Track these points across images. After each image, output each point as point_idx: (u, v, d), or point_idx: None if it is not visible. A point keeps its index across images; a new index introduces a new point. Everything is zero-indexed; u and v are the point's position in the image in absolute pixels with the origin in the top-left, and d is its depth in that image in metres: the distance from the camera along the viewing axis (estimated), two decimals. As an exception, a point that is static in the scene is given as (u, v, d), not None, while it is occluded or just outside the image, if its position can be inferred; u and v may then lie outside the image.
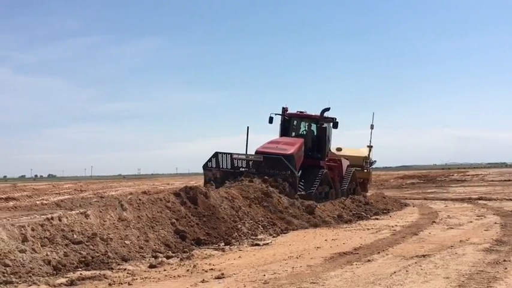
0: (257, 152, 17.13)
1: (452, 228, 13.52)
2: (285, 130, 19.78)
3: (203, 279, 7.61)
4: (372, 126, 26.17)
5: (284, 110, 19.91)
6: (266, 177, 15.22)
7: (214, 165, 16.66)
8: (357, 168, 24.12)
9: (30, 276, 7.75)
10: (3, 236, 8.56)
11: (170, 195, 12.36)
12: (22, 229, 8.92)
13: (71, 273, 8.11)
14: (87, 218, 9.99)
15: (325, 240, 11.75)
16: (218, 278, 7.71)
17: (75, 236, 9.30)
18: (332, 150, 22.95)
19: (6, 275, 7.64)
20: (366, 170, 25.38)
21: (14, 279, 7.55)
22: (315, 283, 7.21)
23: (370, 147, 26.08)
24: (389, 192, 28.05)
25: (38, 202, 21.10)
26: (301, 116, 20.19)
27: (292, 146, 17.49)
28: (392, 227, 13.91)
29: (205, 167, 16.89)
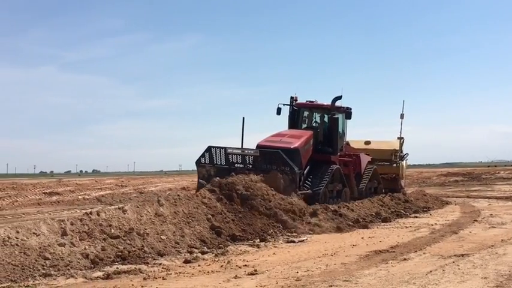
0: (258, 146, 15.41)
1: (494, 227, 13.20)
2: (294, 122, 17.88)
3: (236, 275, 7.66)
4: (402, 116, 23.12)
5: (292, 99, 17.89)
6: (262, 174, 13.59)
7: (207, 161, 14.96)
8: (385, 163, 22.26)
9: (68, 270, 7.99)
10: (44, 230, 8.85)
11: (206, 191, 12.49)
12: (62, 223, 9.20)
13: (108, 267, 8.32)
14: (124, 213, 10.21)
15: (362, 238, 11.65)
16: (251, 274, 7.75)
17: (112, 230, 9.53)
18: (355, 144, 21.61)
19: (45, 267, 7.90)
20: (395, 165, 22.60)
21: (53, 272, 7.80)
22: (348, 281, 7.17)
23: (400, 139, 23.25)
24: (431, 189, 27.55)
25: (80, 197, 21.65)
26: (311, 106, 18.09)
27: (298, 139, 15.81)
28: (432, 225, 13.68)
29: (198, 163, 15.15)
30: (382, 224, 14.39)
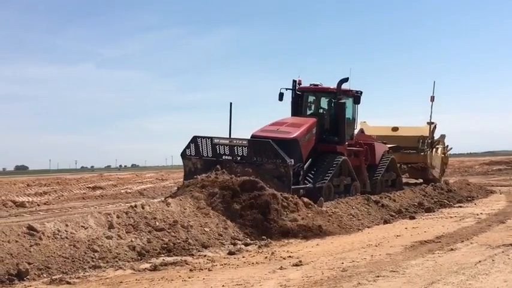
0: (253, 136, 13.81)
1: (542, 216, 12.86)
2: (297, 108, 15.97)
3: (281, 266, 7.68)
4: (432, 98, 20.49)
5: (295, 83, 16.01)
6: (249, 167, 12.16)
7: (193, 153, 13.40)
8: (412, 151, 20.43)
9: (116, 261, 8.15)
10: (91, 223, 9.05)
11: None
12: (108, 216, 9.40)
13: (154, 258, 8.45)
14: (168, 206, 10.34)
15: (405, 228, 11.52)
16: (296, 265, 7.76)
17: (157, 223, 9.67)
18: (381, 130, 20.49)
19: (94, 259, 8.09)
20: (422, 153, 20.37)
21: (101, 264, 7.97)
22: (395, 271, 7.10)
23: (431, 124, 20.80)
24: (474, 179, 26.92)
25: (122, 191, 22.04)
26: (315, 90, 16.09)
27: (297, 128, 14.07)
28: (477, 215, 13.40)
29: (183, 155, 13.60)
30: (426, 214, 14.17)
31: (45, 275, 7.32)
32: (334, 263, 7.86)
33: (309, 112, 16.01)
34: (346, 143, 15.40)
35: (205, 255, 8.77)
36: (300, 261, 7.94)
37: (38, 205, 16.75)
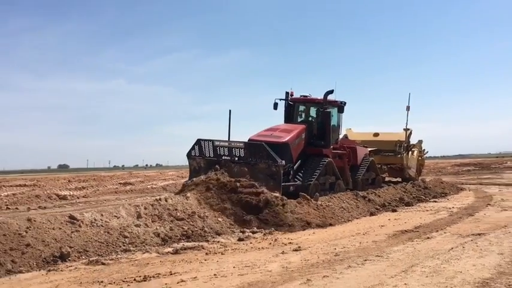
0: (249, 140, 13.53)
1: (506, 210, 12.74)
2: (289, 116, 15.75)
3: (283, 251, 7.66)
4: (407, 108, 20.21)
5: (288, 94, 15.82)
6: (245, 167, 12.02)
7: (197, 154, 13.17)
8: (390, 154, 20.12)
9: (144, 246, 8.15)
10: (123, 213, 9.05)
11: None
12: (137, 208, 9.39)
13: (176, 244, 8.44)
14: (187, 200, 10.33)
15: (389, 219, 11.44)
16: (296, 250, 7.73)
17: (178, 213, 9.66)
18: (364, 136, 20.17)
19: (125, 244, 8.09)
20: (399, 155, 20.08)
21: (131, 248, 7.98)
22: (379, 256, 7.06)
23: (407, 130, 20.47)
24: (447, 178, 26.74)
25: (148, 186, 21.99)
26: (304, 101, 15.88)
27: (288, 134, 13.87)
28: (450, 208, 13.29)
29: (189, 155, 13.40)
30: (406, 207, 14.07)
31: (83, 257, 7.33)
32: (328, 248, 7.82)
33: (299, 120, 15.82)
34: (332, 147, 15.22)
35: (218, 241, 8.75)
36: (299, 247, 7.91)
37: (78, 198, 16.76)
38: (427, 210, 13.09)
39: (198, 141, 13.11)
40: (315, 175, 13.54)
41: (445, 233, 9.23)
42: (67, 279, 6.10)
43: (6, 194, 16.44)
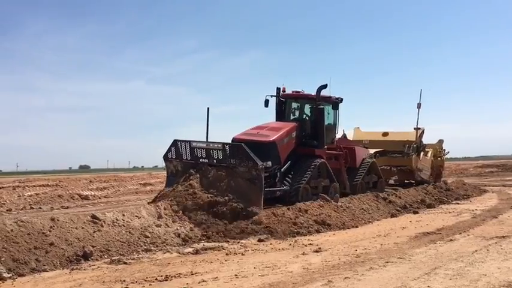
0: (233, 140, 12.30)
1: (531, 212, 12.49)
2: (281, 114, 14.40)
3: (303, 252, 7.63)
4: (418, 105, 18.56)
5: (279, 90, 14.44)
6: (223, 171, 10.71)
7: (174, 156, 11.81)
8: (397, 155, 18.64)
9: (164, 246, 8.21)
10: (144, 213, 9.14)
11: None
12: (157, 208, 9.47)
13: (196, 244, 8.48)
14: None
15: (410, 221, 11.31)
16: (316, 251, 7.69)
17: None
18: (372, 135, 18.93)
19: (146, 244, 8.16)
20: (407, 157, 18.44)
21: (152, 248, 8.05)
22: (401, 258, 6.98)
23: (417, 129, 18.79)
24: (469, 179, 26.29)
25: (168, 187, 22.12)
26: (296, 97, 14.44)
27: (276, 132, 12.63)
28: (473, 210, 13.07)
29: (165, 157, 12.03)
30: (427, 209, 13.90)
31: (105, 256, 7.41)
32: (348, 250, 7.76)
33: (292, 117, 14.42)
34: (326, 147, 13.86)
35: (238, 242, 8.73)
36: (320, 248, 7.87)
37: (99, 198, 16.98)
38: (449, 212, 12.89)
39: (175, 142, 11.79)
40: (305, 178, 12.37)
41: (468, 235, 9.08)
42: (90, 278, 6.18)
43: (29, 194, 16.76)
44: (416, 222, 11.03)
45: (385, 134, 19.50)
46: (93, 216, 8.39)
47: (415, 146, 18.65)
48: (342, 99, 14.45)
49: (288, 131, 12.89)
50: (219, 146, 11.08)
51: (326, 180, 13.36)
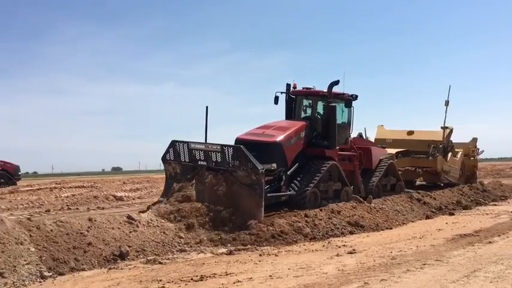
0: (236, 140, 11.55)
1: None
2: (290, 112, 13.47)
3: (337, 254, 7.56)
4: (446, 103, 17.37)
5: (289, 87, 13.51)
6: (222, 175, 10.00)
7: (172, 158, 11.13)
8: (421, 155, 17.43)
9: (198, 246, 8.29)
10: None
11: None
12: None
13: (229, 244, 8.50)
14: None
15: (446, 223, 11.07)
16: (350, 253, 7.61)
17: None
18: (395, 134, 17.90)
19: (181, 244, 8.28)
20: (431, 158, 17.16)
21: (186, 248, 8.16)
22: (439, 260, 6.84)
23: (444, 128, 17.64)
24: (506, 180, 25.43)
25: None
26: (306, 93, 13.44)
27: (283, 132, 11.73)
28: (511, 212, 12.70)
29: (164, 159, 11.38)
30: (464, 211, 13.56)
31: (141, 256, 7.54)
32: (384, 251, 7.66)
33: (303, 116, 13.41)
34: (338, 148, 12.78)
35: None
36: (354, 250, 7.79)
37: (133, 199, 17.24)
38: (486, 214, 12.56)
39: (173, 143, 11.12)
40: (314, 181, 11.41)
41: (508, 237, 8.84)
42: (127, 277, 6.30)
43: (66, 195, 17.20)
44: (453, 224, 10.79)
45: (410, 132, 18.34)
46: (129, 217, 8.55)
47: (441, 146, 17.60)
48: (356, 96, 13.41)
49: (296, 131, 12.00)
50: (218, 147, 10.30)
51: (338, 184, 12.34)
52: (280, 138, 11.49)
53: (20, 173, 29.82)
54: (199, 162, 10.48)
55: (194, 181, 10.12)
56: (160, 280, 6.05)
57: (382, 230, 10.28)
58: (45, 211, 13.23)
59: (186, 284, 5.88)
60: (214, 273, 6.32)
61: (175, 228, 8.78)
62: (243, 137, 11.66)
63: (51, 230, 7.33)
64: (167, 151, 11.23)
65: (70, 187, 20.52)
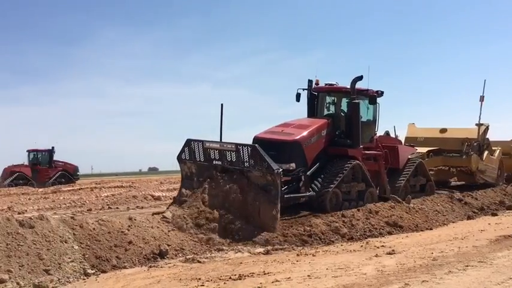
0: (254, 138, 11.10)
1: None
2: (312, 109, 12.86)
3: (376, 254, 7.47)
4: (481, 98, 16.36)
5: (311, 83, 12.87)
6: (238, 176, 9.64)
7: (188, 157, 10.78)
8: (454, 154, 16.44)
9: (236, 246, 8.36)
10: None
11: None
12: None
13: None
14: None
15: (489, 224, 10.75)
16: (389, 253, 7.50)
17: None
18: (427, 132, 17.06)
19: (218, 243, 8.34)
20: (465, 157, 16.07)
21: (224, 248, 8.23)
22: (482, 262, 6.66)
23: (480, 125, 16.62)
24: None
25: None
26: (329, 90, 12.81)
27: (303, 130, 11.23)
28: (559, 213, 12.23)
29: (179, 158, 11.03)
30: (507, 211, 13.15)
31: (180, 255, 7.68)
32: (424, 252, 7.51)
33: (326, 113, 12.80)
34: (361, 146, 12.06)
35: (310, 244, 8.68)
36: (393, 251, 7.67)
37: (170, 199, 17.48)
38: (532, 215, 12.14)
39: (188, 142, 10.79)
40: (335, 182, 10.82)
41: (555, 239, 8.50)
42: (167, 275, 6.42)
43: (106, 194, 17.67)
44: (496, 225, 10.47)
45: (443, 130, 17.29)
46: (164, 217, 8.70)
47: (475, 144, 16.56)
48: (382, 92, 12.77)
49: (317, 129, 11.44)
50: (232, 146, 9.93)
51: (361, 184, 11.67)
52: (299, 136, 11.01)
53: (78, 173, 31.19)
54: (214, 162, 10.15)
55: (207, 184, 9.72)
56: (199, 279, 6.14)
57: (422, 230, 10.10)
58: (87, 210, 13.62)
59: (224, 283, 5.94)
60: (252, 273, 6.36)
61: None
62: (261, 135, 11.22)
63: (94, 229, 7.55)
64: (182, 150, 10.90)
65: (109, 187, 21.08)
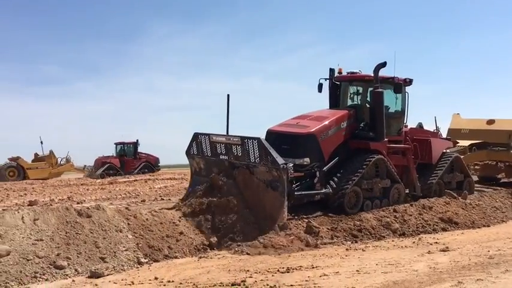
0: (268, 131, 10.49)
1: None
2: (334, 99, 11.98)
3: (429, 251, 7.30)
4: None
5: (333, 72, 12.00)
6: (245, 170, 9.06)
7: (196, 152, 10.27)
8: (500, 148, 15.19)
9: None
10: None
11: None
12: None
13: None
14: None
15: (552, 222, 10.23)
16: (443, 250, 7.31)
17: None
18: (473, 123, 16.02)
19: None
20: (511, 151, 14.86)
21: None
22: (544, 262, 6.36)
23: None
24: None
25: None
26: (351, 78, 11.79)
27: (319, 122, 10.40)
28: None
29: (188, 153, 10.51)
30: None
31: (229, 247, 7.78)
32: (480, 250, 7.26)
33: (350, 103, 11.82)
34: (386, 139, 11.00)
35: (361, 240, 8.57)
36: (447, 248, 7.47)
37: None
38: None
39: (196, 136, 10.29)
40: (355, 178, 9.98)
41: None
42: (216, 266, 6.56)
43: (159, 186, 18.19)
44: (561, 223, 9.95)
45: (491, 121, 15.97)
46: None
47: None
48: (410, 80, 11.72)
49: (336, 121, 10.57)
50: (238, 140, 9.26)
51: (386, 181, 10.69)
52: (314, 129, 10.17)
53: (159, 164, 32.54)
54: (220, 157, 9.62)
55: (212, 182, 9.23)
56: (248, 270, 6.23)
57: (479, 227, 9.76)
58: (141, 201, 14.07)
59: (272, 275, 6.00)
60: (301, 266, 6.38)
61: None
62: (274, 128, 10.55)
63: (147, 219, 7.82)
64: (190, 145, 10.40)
65: (162, 179, 21.67)
